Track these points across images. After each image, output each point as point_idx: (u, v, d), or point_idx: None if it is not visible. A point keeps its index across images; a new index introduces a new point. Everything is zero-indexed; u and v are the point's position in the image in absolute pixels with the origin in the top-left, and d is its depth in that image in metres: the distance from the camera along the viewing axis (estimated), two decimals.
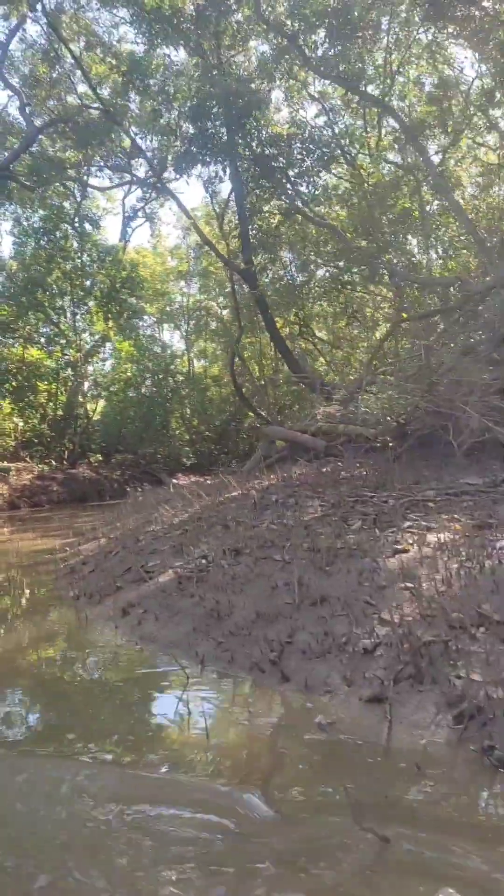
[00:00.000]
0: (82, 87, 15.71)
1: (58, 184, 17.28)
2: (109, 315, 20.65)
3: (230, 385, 32.37)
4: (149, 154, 15.57)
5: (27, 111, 14.89)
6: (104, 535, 7.17)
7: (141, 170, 19.45)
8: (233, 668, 2.78)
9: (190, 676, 2.69)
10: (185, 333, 31.42)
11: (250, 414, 31.74)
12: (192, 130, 13.57)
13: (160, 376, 26.38)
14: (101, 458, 22.12)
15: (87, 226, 20.33)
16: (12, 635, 3.62)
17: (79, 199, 20.30)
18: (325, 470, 6.68)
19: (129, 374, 23.54)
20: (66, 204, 20.05)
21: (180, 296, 30.71)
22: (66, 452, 21.01)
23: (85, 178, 17.11)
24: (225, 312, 28.59)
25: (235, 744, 2.18)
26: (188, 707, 2.39)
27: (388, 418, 7.17)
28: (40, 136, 16.06)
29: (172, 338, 32.55)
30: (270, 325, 15.60)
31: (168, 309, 30.48)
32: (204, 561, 4.13)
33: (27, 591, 4.96)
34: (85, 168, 16.35)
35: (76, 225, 19.89)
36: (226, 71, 13.87)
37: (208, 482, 24.39)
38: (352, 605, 2.85)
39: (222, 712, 2.42)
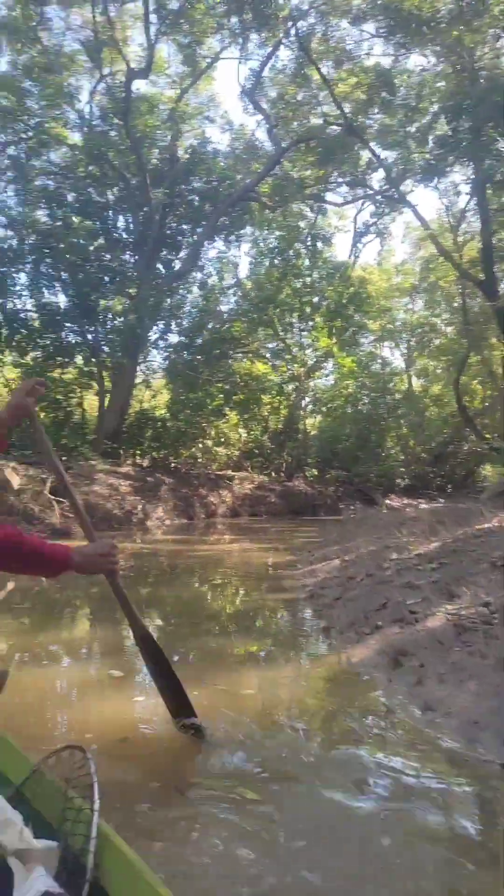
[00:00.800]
0: (327, 108, 15.93)
1: (295, 203, 17.74)
2: (334, 331, 20.63)
3: (450, 405, 30.61)
4: (389, 165, 15.17)
5: (273, 133, 15.48)
6: (338, 556, 6.77)
7: (376, 184, 19.24)
8: None
9: None
10: (405, 351, 30.41)
11: (472, 437, 29.64)
12: (439, 133, 12.86)
13: (377, 394, 25.76)
14: (316, 474, 22.13)
15: (319, 244, 20.57)
16: (270, 676, 3.21)
17: (314, 218, 20.66)
18: None
19: (349, 390, 23.29)
20: (301, 223, 20.54)
21: (403, 312, 29.81)
22: (283, 465, 21.39)
23: (322, 195, 17.24)
24: (450, 329, 27.03)
25: None
26: None
27: None
28: (282, 159, 16.68)
29: (393, 355, 31.74)
30: None
31: (389, 326, 29.71)
32: (486, 609, 3.42)
33: (273, 614, 4.69)
34: (322, 186, 16.48)
35: (308, 243, 20.25)
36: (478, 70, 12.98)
37: (424, 506, 23.02)
38: None
39: None
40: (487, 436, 30.39)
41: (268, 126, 14.63)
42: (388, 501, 22.59)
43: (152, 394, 20.10)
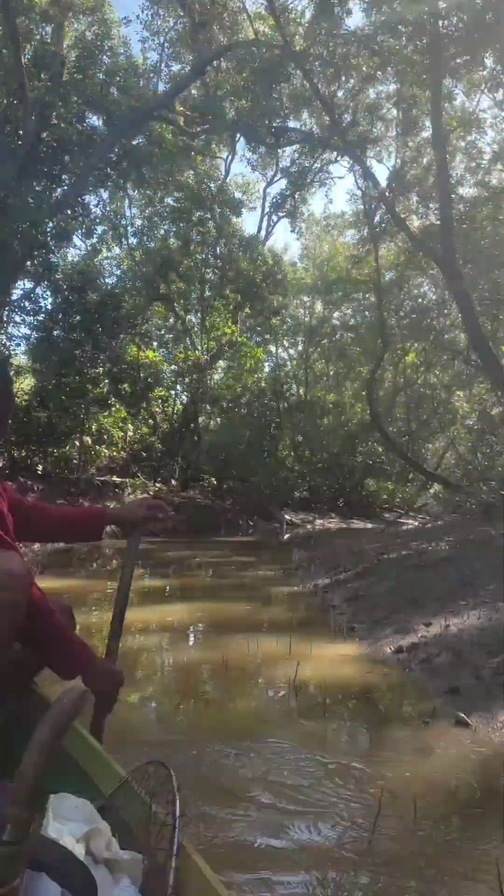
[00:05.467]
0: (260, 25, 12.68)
1: (212, 143, 14.33)
2: (242, 315, 17.48)
3: (343, 413, 28.89)
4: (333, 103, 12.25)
5: (199, 35, 11.87)
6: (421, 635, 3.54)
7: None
8: None
9: None
10: (301, 353, 28.08)
11: (366, 444, 28.15)
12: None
13: (270, 397, 23.06)
14: (214, 483, 18.71)
15: (227, 210, 17.32)
16: None
17: (222, 177, 17.40)
18: None
19: (251, 387, 20.21)
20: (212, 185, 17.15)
21: (302, 310, 27.49)
22: (177, 472, 17.71)
23: (255, 129, 13.59)
24: (360, 329, 25.08)
25: None
26: None
27: None
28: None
29: (287, 356, 29.30)
30: (473, 325, 11.74)
31: (285, 325, 27.18)
32: None
33: None
34: (253, 113, 12.94)
35: (217, 208, 16.89)
36: None
37: (332, 524, 20.53)
38: None
39: None
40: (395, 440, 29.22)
41: (190, 22, 11.09)
42: (287, 516, 19.91)
43: (10, 372, 15.47)
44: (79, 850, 1.08)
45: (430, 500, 36.94)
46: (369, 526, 21.45)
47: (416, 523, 18.58)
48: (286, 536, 16.04)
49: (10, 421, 1.70)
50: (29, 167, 10.43)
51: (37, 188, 10.09)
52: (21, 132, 10.43)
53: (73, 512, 2.01)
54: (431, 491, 35.89)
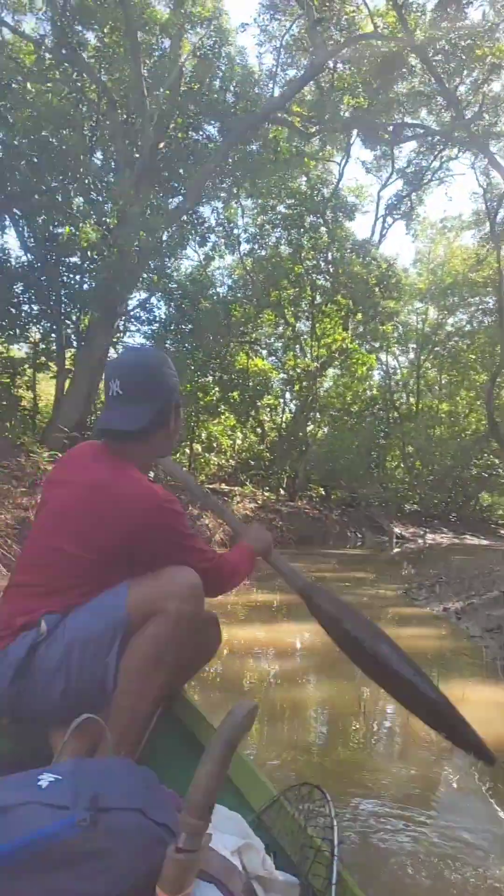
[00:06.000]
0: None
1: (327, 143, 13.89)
2: (353, 321, 16.88)
3: (457, 424, 27.36)
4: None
5: (317, 30, 11.55)
6: None
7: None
8: None
9: None
10: (415, 361, 26.89)
11: (481, 456, 26.59)
12: None
13: (381, 406, 22.19)
14: (322, 493, 18.21)
15: (340, 214, 16.85)
16: None
17: (336, 180, 16.97)
18: None
19: (361, 395, 19.53)
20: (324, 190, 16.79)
21: (415, 315, 26.35)
22: (285, 481, 17.39)
23: (374, 123, 13.01)
24: (477, 335, 23.66)
25: None
26: None
27: None
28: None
29: (397, 364, 28.23)
30: None
31: (397, 332, 26.19)
32: None
33: None
34: (373, 106, 12.36)
35: (329, 213, 16.49)
36: None
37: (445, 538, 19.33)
38: None
39: None
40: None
41: (308, 20, 10.81)
42: (396, 530, 19.05)
43: None
44: (235, 864, 1.06)
45: None
46: (484, 542, 20.13)
47: None
48: (395, 550, 15.33)
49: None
50: (146, 177, 10.58)
51: (152, 200, 10.16)
52: (140, 143, 10.63)
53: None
54: None
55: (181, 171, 11.93)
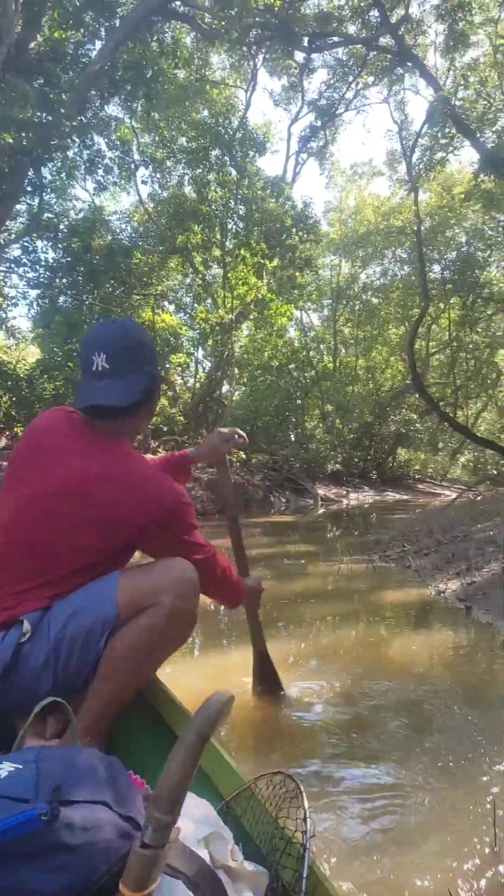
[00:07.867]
0: None
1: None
2: (270, 268, 15.36)
3: (372, 383, 26.93)
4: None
5: None
6: None
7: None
8: None
9: None
10: (330, 316, 25.91)
11: (398, 412, 26.49)
12: None
13: (295, 366, 21.07)
14: (243, 457, 16.90)
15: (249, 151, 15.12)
16: None
17: (243, 105, 15.16)
18: None
19: (281, 349, 18.22)
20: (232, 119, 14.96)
21: (328, 269, 25.22)
22: None
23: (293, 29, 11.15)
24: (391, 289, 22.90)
25: None
26: None
27: None
28: None
29: (311, 322, 27.18)
30: None
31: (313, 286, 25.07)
32: None
33: None
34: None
35: (235, 148, 14.70)
36: None
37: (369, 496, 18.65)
38: None
39: None
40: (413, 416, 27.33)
41: None
42: (320, 491, 18.22)
43: (5, 334, 13.62)
44: (202, 854, 1.01)
45: (460, 469, 35.16)
46: (405, 497, 19.85)
47: (453, 494, 16.90)
48: (320, 511, 14.46)
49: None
50: (9, 81, 8.42)
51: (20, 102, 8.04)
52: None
53: (161, 460, 1.93)
54: (462, 460, 34.01)
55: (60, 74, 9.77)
